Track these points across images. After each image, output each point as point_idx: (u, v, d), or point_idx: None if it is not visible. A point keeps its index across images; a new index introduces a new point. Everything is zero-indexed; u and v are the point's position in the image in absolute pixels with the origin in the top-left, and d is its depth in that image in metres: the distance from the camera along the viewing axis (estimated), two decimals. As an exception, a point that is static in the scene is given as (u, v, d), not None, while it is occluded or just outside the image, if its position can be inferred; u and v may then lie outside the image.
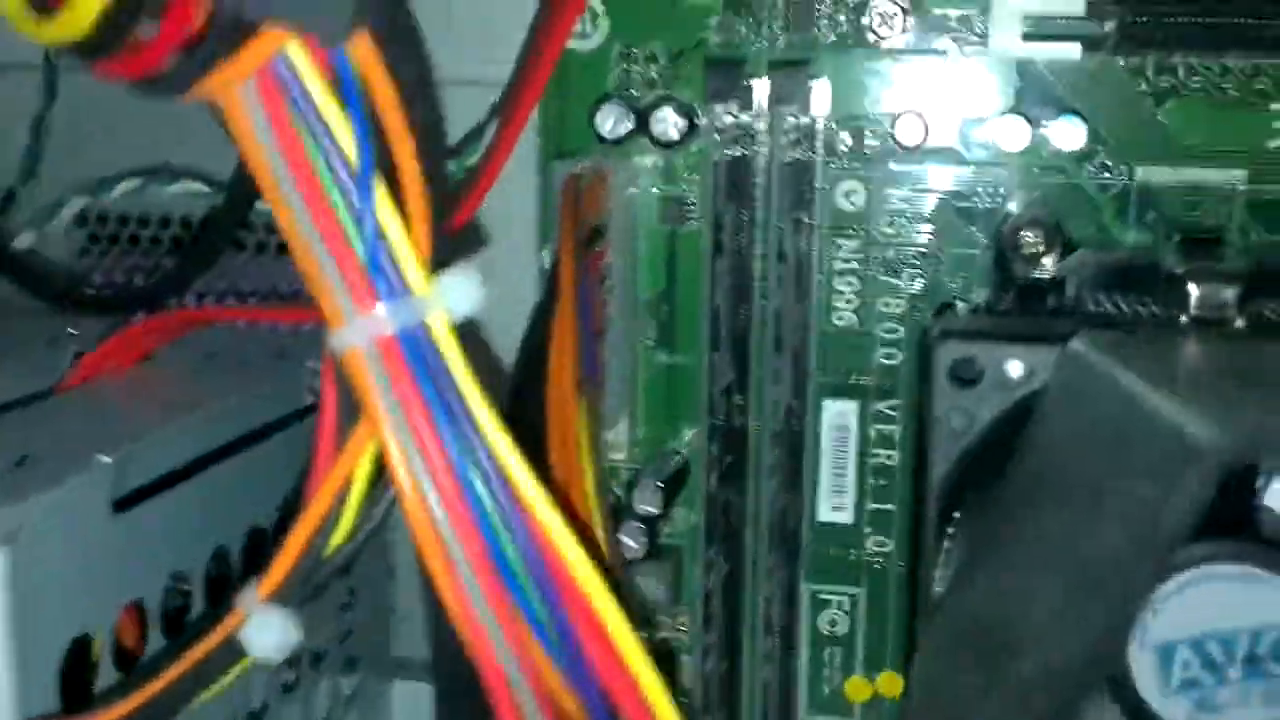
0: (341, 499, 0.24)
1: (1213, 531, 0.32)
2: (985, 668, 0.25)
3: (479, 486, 0.23)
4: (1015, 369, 0.33)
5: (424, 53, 0.24)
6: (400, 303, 0.22)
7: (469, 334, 0.24)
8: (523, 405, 0.35)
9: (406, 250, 0.23)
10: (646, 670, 0.23)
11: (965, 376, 0.33)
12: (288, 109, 0.22)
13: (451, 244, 0.24)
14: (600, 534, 0.33)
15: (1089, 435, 0.25)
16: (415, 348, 0.22)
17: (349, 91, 0.22)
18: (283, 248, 0.48)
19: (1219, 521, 0.33)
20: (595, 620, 0.23)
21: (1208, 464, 0.18)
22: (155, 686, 0.25)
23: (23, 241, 0.44)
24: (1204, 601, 0.31)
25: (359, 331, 0.22)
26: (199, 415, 0.36)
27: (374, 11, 0.21)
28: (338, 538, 0.24)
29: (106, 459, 0.31)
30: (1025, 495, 0.29)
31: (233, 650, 0.24)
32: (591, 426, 0.34)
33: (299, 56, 0.21)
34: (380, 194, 0.22)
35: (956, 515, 0.36)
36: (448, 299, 0.23)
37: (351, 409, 0.24)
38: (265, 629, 0.24)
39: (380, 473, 0.24)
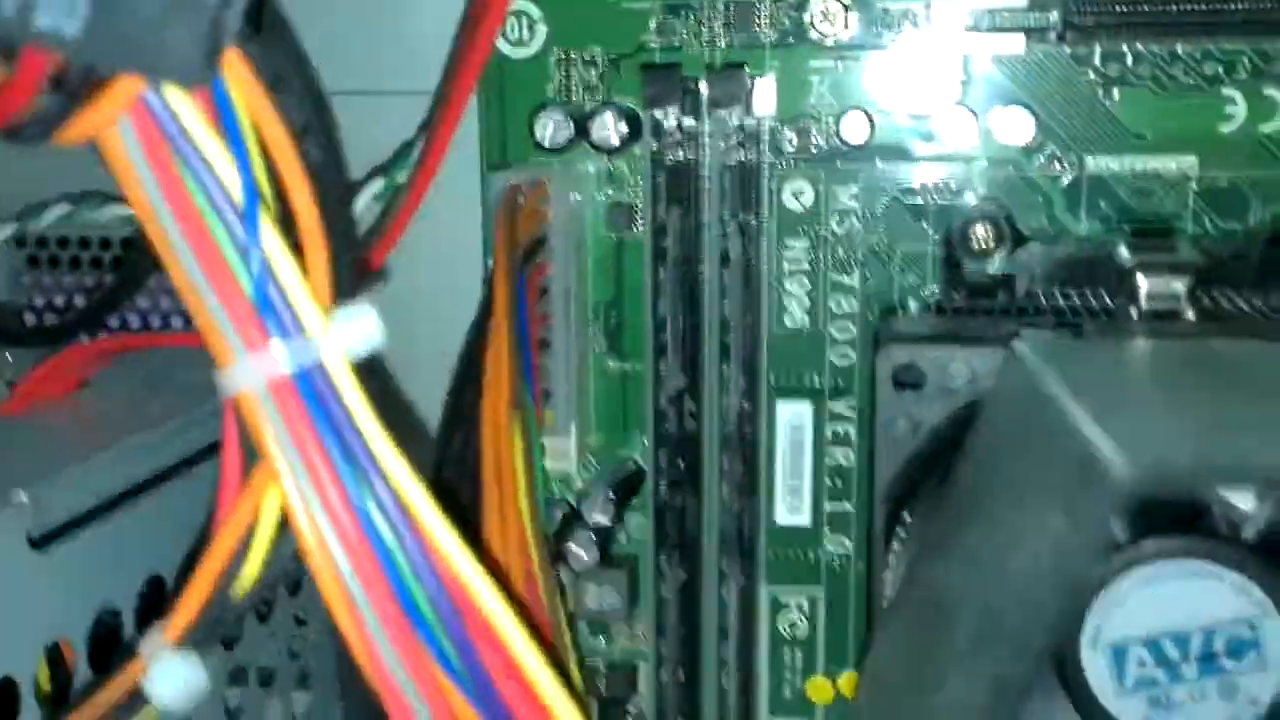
0: (247, 539, 0.23)
1: (1165, 528, 0.31)
2: (926, 667, 0.25)
3: (382, 528, 0.22)
4: (959, 373, 0.32)
5: (316, 85, 0.24)
6: (294, 342, 0.22)
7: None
8: (459, 424, 0.34)
9: (299, 287, 0.22)
10: (565, 707, 0.22)
11: (908, 381, 0.33)
12: (166, 146, 0.21)
13: (360, 279, 0.24)
14: (535, 555, 0.33)
15: (1021, 445, 0.25)
16: (311, 388, 0.22)
17: (230, 125, 0.21)
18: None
19: (1171, 518, 0.32)
20: (508, 657, 0.22)
21: (1111, 496, 0.17)
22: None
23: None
24: (1157, 599, 0.31)
25: (250, 372, 0.21)
26: (130, 444, 0.35)
27: (251, 50, 0.20)
28: (246, 578, 0.24)
29: (23, 497, 0.30)
30: (966, 500, 0.28)
31: (136, 700, 0.24)
32: (526, 444, 0.33)
33: (175, 94, 0.20)
34: (268, 229, 0.21)
35: (906, 521, 0.36)
36: (346, 336, 0.22)
37: (253, 449, 0.23)
38: (169, 674, 0.23)
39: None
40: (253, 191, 0.21)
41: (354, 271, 0.23)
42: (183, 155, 0.21)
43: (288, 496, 0.22)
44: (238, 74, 0.21)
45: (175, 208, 0.21)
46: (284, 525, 0.24)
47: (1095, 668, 0.31)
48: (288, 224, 0.22)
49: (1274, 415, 0.19)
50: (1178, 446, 0.19)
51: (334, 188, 0.22)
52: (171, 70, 0.18)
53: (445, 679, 0.22)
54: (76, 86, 0.19)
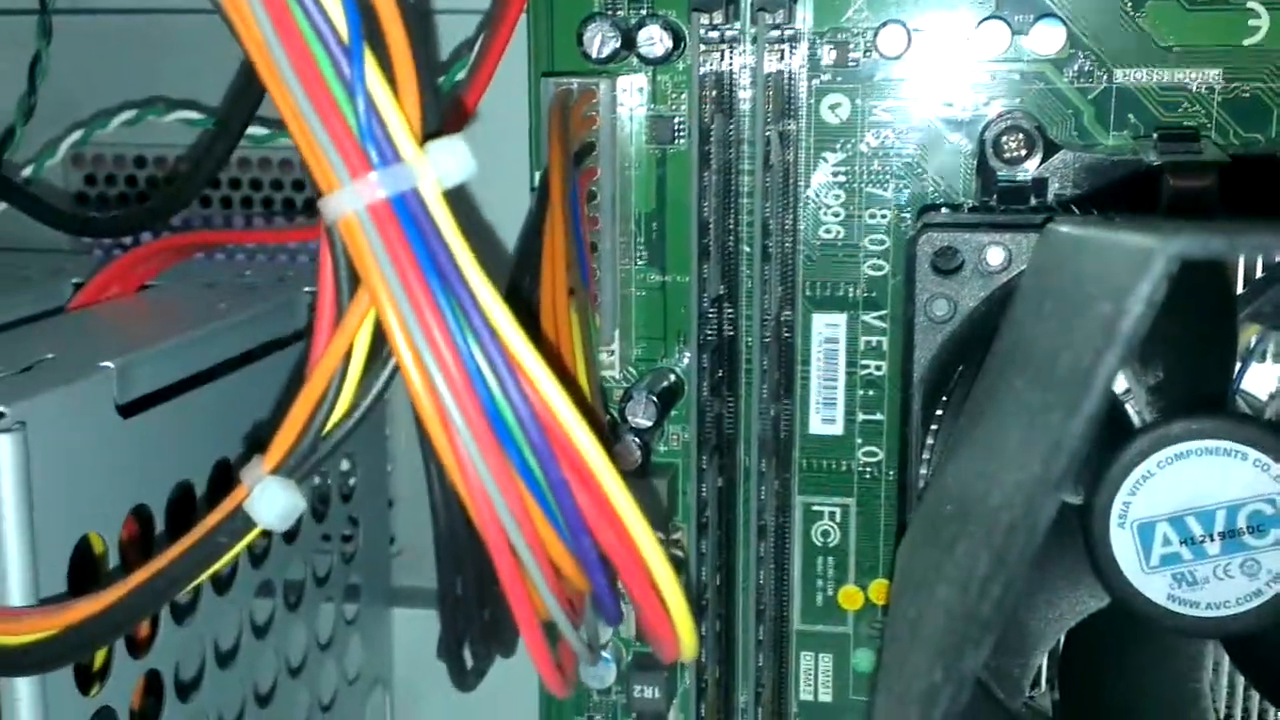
0: (341, 371, 0.25)
1: (1193, 409, 0.33)
2: (960, 519, 0.26)
3: (475, 348, 0.23)
4: (995, 256, 0.34)
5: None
6: (392, 169, 0.23)
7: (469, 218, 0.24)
8: (517, 312, 0.36)
9: (396, 119, 0.23)
10: (640, 524, 0.24)
11: (946, 266, 0.34)
12: (278, -17, 0.22)
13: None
14: (600, 424, 0.34)
15: (1057, 296, 0.26)
16: (408, 213, 0.23)
17: (336, -34, 0.22)
18: (276, 185, 0.49)
19: (1199, 400, 0.34)
20: (590, 478, 0.24)
21: (1161, 259, 0.18)
22: (165, 560, 0.26)
23: (24, 175, 0.44)
24: (1181, 479, 0.32)
25: (353, 197, 0.23)
26: (200, 331, 0.37)
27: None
28: (339, 412, 0.25)
29: (110, 364, 0.32)
30: (1000, 369, 0.30)
31: (240, 521, 0.25)
32: (584, 331, 0.35)
33: (286, -73, 0.22)
34: (370, 65, 0.23)
35: (940, 413, 0.37)
36: (438, 166, 0.23)
37: (347, 282, 0.24)
38: (271, 498, 0.25)
39: (378, 347, 0.25)
40: (358, 27, 0.23)
41: (440, 110, 0.24)
42: (294, -8, 0.22)
43: (386, 318, 0.23)
44: (344, -82, 0.22)
45: (286, 41, 0.22)
46: (371, 363, 0.25)
47: (1122, 545, 0.33)
48: (382, 58, 0.23)
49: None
50: (1214, 231, 0.20)
51: (421, 34, 0.24)
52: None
53: (529, 493, 0.24)
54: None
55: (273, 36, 0.22)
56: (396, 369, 0.24)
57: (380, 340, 0.25)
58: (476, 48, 0.39)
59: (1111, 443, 0.32)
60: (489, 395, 0.23)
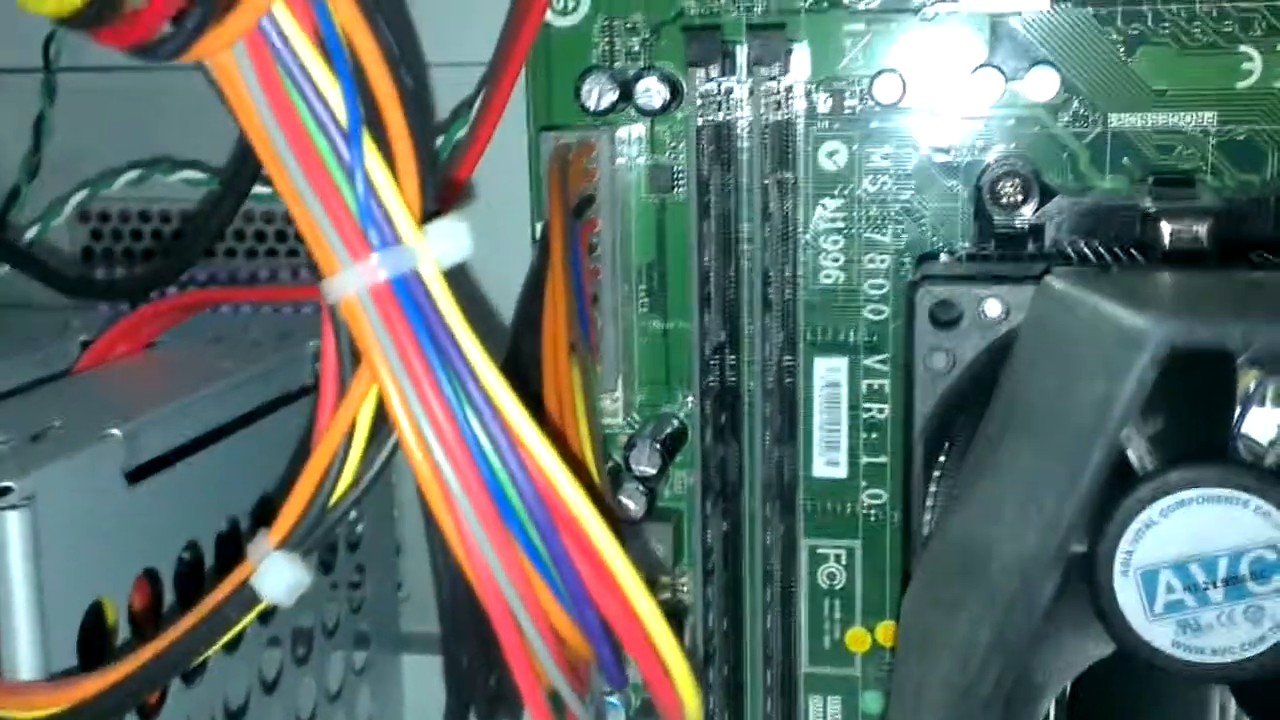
0: (345, 446, 0.25)
1: (1194, 457, 0.33)
2: (960, 588, 0.27)
3: (475, 423, 0.24)
4: (993, 308, 0.34)
5: (406, 17, 0.25)
6: (392, 250, 0.24)
7: (465, 292, 0.25)
8: (519, 368, 0.36)
9: (396, 201, 0.24)
10: (642, 595, 0.24)
11: (945, 318, 0.34)
12: (277, 68, 0.23)
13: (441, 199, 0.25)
14: (598, 485, 0.34)
15: (1054, 356, 0.27)
16: (408, 293, 0.24)
17: (334, 49, 0.23)
18: (280, 237, 0.50)
19: (1200, 447, 0.34)
20: (591, 550, 0.24)
21: (1153, 348, 0.19)
22: (173, 635, 0.26)
23: (30, 235, 0.45)
24: (1184, 526, 0.32)
25: (354, 279, 0.23)
26: (206, 392, 0.37)
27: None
28: (342, 485, 0.25)
29: (118, 431, 0.32)
30: (1000, 426, 0.30)
31: (246, 596, 0.25)
32: (586, 386, 0.35)
33: (285, 17, 0.22)
34: (369, 147, 0.23)
35: (943, 459, 0.37)
36: (438, 247, 0.24)
37: (349, 359, 0.25)
38: (277, 573, 0.25)
39: (382, 420, 0.25)
40: (356, 112, 0.23)
41: (439, 189, 0.25)
42: (292, 77, 0.23)
43: (388, 396, 0.24)
44: (342, 4, 0.23)
45: (285, 126, 0.23)
46: (375, 437, 0.26)
47: (1126, 593, 0.33)
48: (382, 141, 0.24)
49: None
50: (1206, 313, 0.20)
51: (421, 114, 0.24)
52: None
53: (530, 564, 0.24)
54: (209, 1, 0.21)
55: (272, 121, 0.23)
56: (399, 443, 0.25)
57: (383, 414, 0.25)
58: (476, 106, 0.39)
59: (1114, 490, 0.33)
60: (489, 469, 0.24)
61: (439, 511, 0.24)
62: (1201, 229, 0.37)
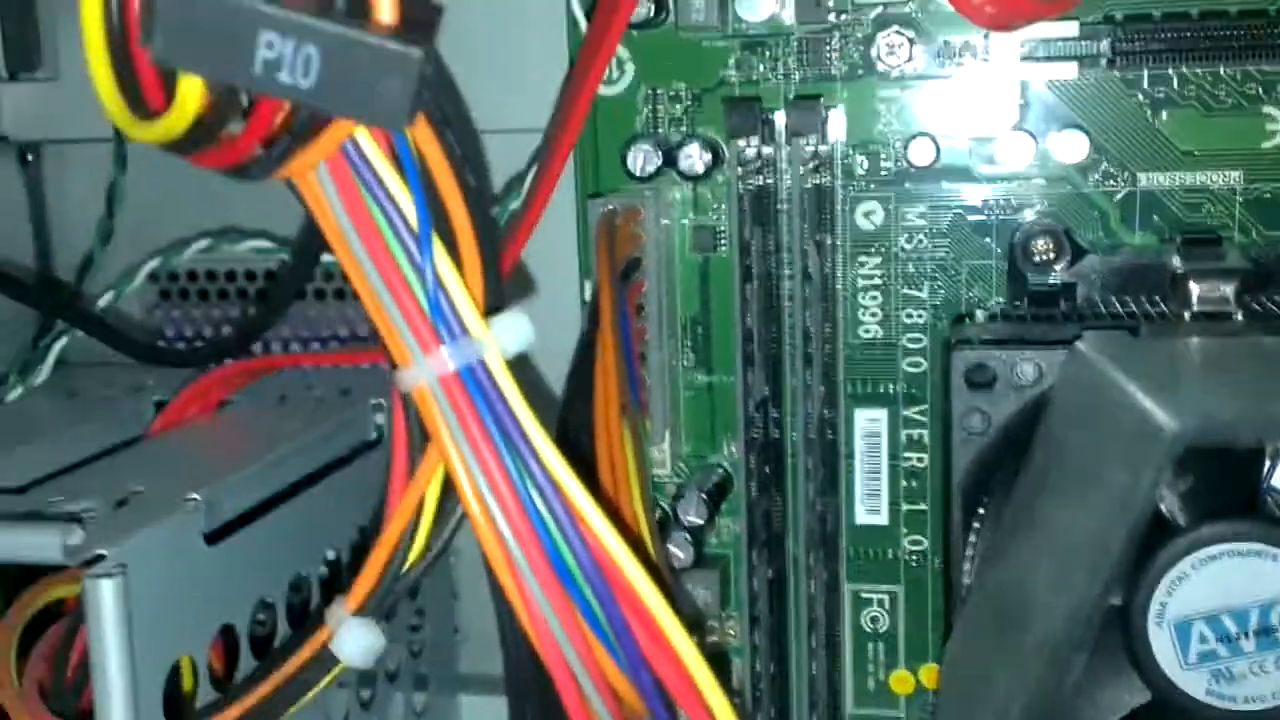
0: (415, 521, 0.27)
1: (1225, 512, 0.34)
2: (999, 641, 0.28)
3: (538, 502, 0.25)
4: (1026, 371, 0.36)
5: (471, 128, 0.27)
6: (459, 343, 0.25)
7: (523, 371, 0.27)
8: (572, 429, 0.38)
9: (463, 297, 0.26)
10: (695, 657, 0.26)
11: (980, 381, 0.36)
12: (355, 181, 0.25)
13: (504, 286, 0.27)
14: (649, 545, 0.36)
15: (1084, 426, 0.28)
16: (475, 382, 0.25)
17: (407, 163, 0.25)
18: (341, 293, 0.52)
19: (1230, 502, 0.35)
20: (647, 616, 0.26)
21: (1168, 446, 0.20)
22: (257, 696, 0.28)
23: (104, 301, 0.47)
24: (1217, 579, 0.33)
25: (425, 370, 0.25)
26: (276, 454, 0.39)
27: (428, 98, 0.24)
28: (413, 555, 0.27)
29: (198, 496, 0.34)
30: (1035, 486, 0.32)
31: (325, 659, 0.27)
32: (636, 447, 0.37)
33: (363, 136, 0.24)
34: (438, 249, 0.25)
35: (981, 511, 0.39)
36: (502, 338, 0.26)
37: (419, 439, 0.27)
38: (354, 638, 0.27)
39: (448, 495, 0.27)
40: (426, 218, 0.25)
41: (501, 283, 0.27)
42: (368, 187, 0.25)
43: (456, 476, 0.25)
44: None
45: (362, 232, 0.25)
46: (442, 511, 0.28)
47: (1161, 644, 0.34)
48: (449, 241, 0.26)
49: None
50: (1223, 407, 0.22)
51: (484, 212, 0.26)
52: (382, 117, 0.22)
53: (590, 631, 0.26)
54: (300, 130, 0.23)
55: (350, 228, 0.25)
56: (465, 517, 0.27)
57: (449, 489, 0.27)
58: (531, 176, 0.41)
59: (1148, 544, 0.34)
60: (551, 541, 0.26)
61: (505, 581, 0.25)
62: (1228, 289, 0.38)
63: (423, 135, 0.25)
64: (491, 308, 0.27)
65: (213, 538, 0.35)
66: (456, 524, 0.27)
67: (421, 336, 0.25)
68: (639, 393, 0.41)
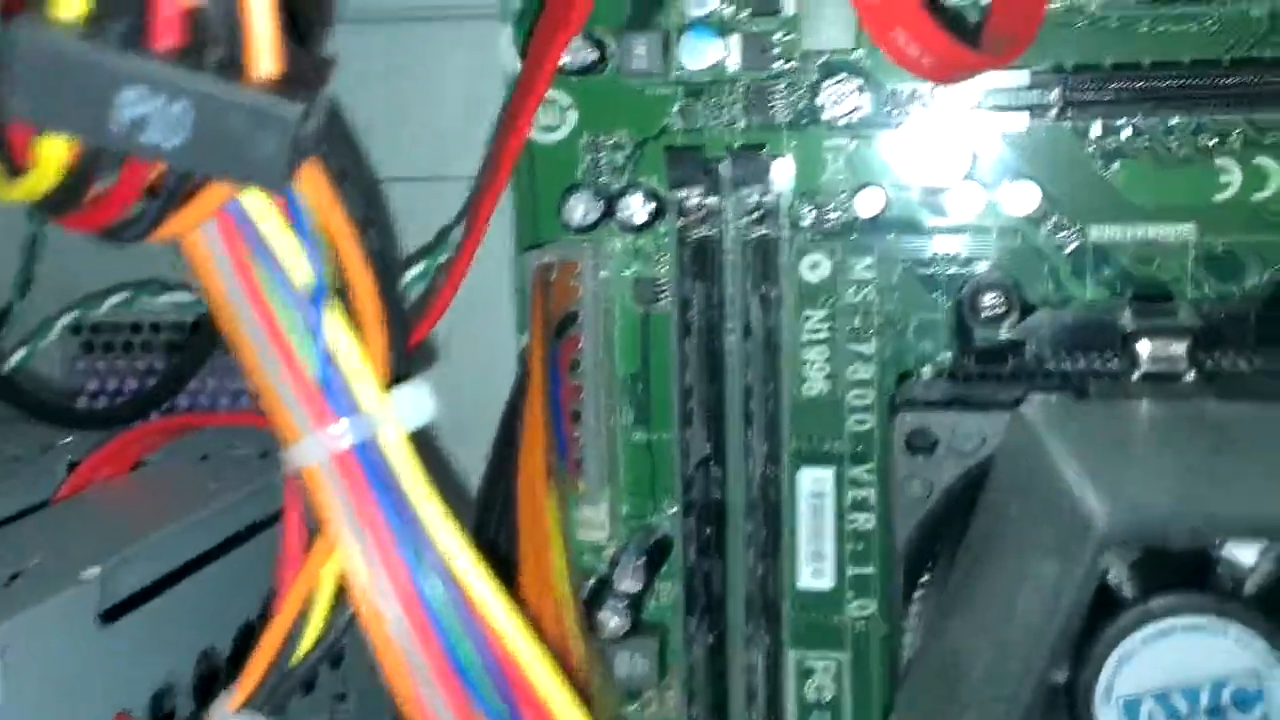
0: (306, 611, 0.25)
1: (1175, 584, 0.32)
2: (944, 708, 0.26)
3: (435, 593, 0.24)
4: (969, 436, 0.34)
5: (374, 180, 0.26)
6: (355, 419, 0.24)
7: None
8: (497, 496, 0.36)
9: (360, 368, 0.24)
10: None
11: (921, 445, 0.34)
12: (243, 243, 0.23)
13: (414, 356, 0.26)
14: (571, 618, 0.34)
15: (1022, 500, 0.26)
16: (370, 461, 0.24)
17: (300, 224, 0.23)
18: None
19: (1180, 575, 0.34)
20: (548, 714, 0.24)
21: (1095, 546, 0.19)
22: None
23: (17, 357, 0.45)
24: (1167, 654, 0.32)
25: (315, 448, 0.23)
26: (186, 521, 0.37)
27: (322, 152, 0.22)
28: (304, 646, 0.25)
29: (93, 573, 0.32)
30: (975, 558, 0.30)
31: (210, 759, 0.25)
32: (561, 515, 0.35)
33: (254, 196, 0.22)
34: (332, 317, 0.23)
35: (925, 578, 0.37)
36: (401, 412, 0.24)
37: (312, 522, 0.25)
38: (240, 736, 0.25)
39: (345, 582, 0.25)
40: (320, 282, 0.23)
41: (407, 351, 0.25)
42: (257, 249, 0.23)
43: (348, 562, 0.24)
44: (309, 173, 0.23)
45: (250, 297, 0.23)
46: (338, 597, 0.26)
47: (1108, 721, 0.32)
48: (350, 308, 0.24)
49: (1251, 471, 0.21)
50: (1157, 499, 0.20)
51: (390, 275, 0.24)
52: (258, 178, 0.20)
53: (495, 732, 0.24)
54: (172, 192, 0.21)
55: (236, 290, 0.23)
56: (363, 604, 0.25)
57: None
58: (459, 229, 0.39)
59: (1094, 618, 0.32)
60: (450, 642, 0.24)
61: (396, 685, 0.24)
62: (1179, 348, 0.37)
63: (319, 194, 0.23)
64: (397, 378, 0.25)
65: (110, 615, 0.33)
66: (353, 616, 0.25)
67: (313, 411, 0.23)
68: (569, 455, 0.39)
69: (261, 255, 0.23)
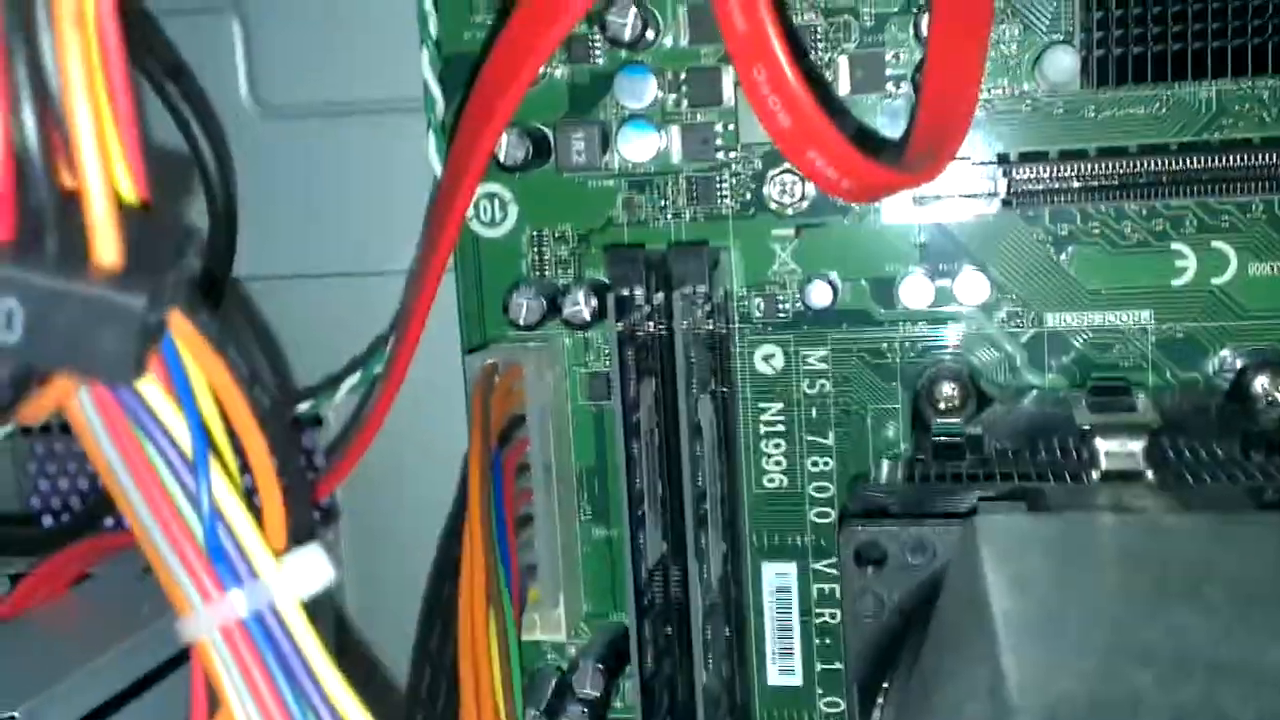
0: (213, 777, 0.24)
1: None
2: None
3: (335, 766, 0.23)
4: (919, 549, 0.33)
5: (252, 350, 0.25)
6: (246, 587, 0.23)
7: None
8: (437, 616, 0.35)
9: (251, 534, 0.23)
10: None
11: (871, 557, 0.33)
12: (122, 412, 0.22)
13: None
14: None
15: (955, 657, 0.25)
16: (264, 630, 0.23)
17: (181, 384, 0.22)
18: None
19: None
20: None
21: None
22: None
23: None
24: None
25: (205, 620, 0.22)
26: (122, 648, 0.36)
27: (198, 309, 0.22)
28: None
29: (15, 715, 0.31)
30: (925, 677, 0.29)
31: None
32: (502, 635, 0.34)
33: (123, 363, 0.22)
34: (219, 482, 0.23)
35: (886, 686, 0.36)
36: (296, 578, 0.23)
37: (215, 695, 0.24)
38: None
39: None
40: (203, 447, 0.22)
41: (308, 510, 0.24)
42: (136, 418, 0.22)
43: (244, 739, 0.23)
44: (188, 336, 0.22)
45: (131, 468, 0.22)
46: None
47: None
48: (245, 469, 0.23)
49: (1186, 647, 0.20)
50: (1078, 694, 0.19)
51: (282, 429, 0.24)
52: (102, 371, 0.19)
53: None
54: (19, 382, 0.20)
55: (115, 458, 0.22)
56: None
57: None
58: (391, 340, 0.38)
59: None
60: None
61: None
62: (1137, 446, 0.36)
63: (201, 355, 0.22)
64: (298, 540, 0.24)
65: (34, 758, 0.32)
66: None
67: (201, 583, 0.22)
68: (512, 569, 0.38)
69: (141, 422, 0.22)
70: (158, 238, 0.19)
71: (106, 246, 0.19)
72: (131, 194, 0.21)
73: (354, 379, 0.39)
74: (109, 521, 0.47)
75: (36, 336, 0.18)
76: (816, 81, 0.40)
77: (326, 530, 0.39)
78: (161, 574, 0.23)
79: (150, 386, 0.22)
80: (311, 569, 0.23)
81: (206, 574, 0.22)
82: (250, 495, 0.23)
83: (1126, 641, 0.21)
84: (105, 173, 0.19)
